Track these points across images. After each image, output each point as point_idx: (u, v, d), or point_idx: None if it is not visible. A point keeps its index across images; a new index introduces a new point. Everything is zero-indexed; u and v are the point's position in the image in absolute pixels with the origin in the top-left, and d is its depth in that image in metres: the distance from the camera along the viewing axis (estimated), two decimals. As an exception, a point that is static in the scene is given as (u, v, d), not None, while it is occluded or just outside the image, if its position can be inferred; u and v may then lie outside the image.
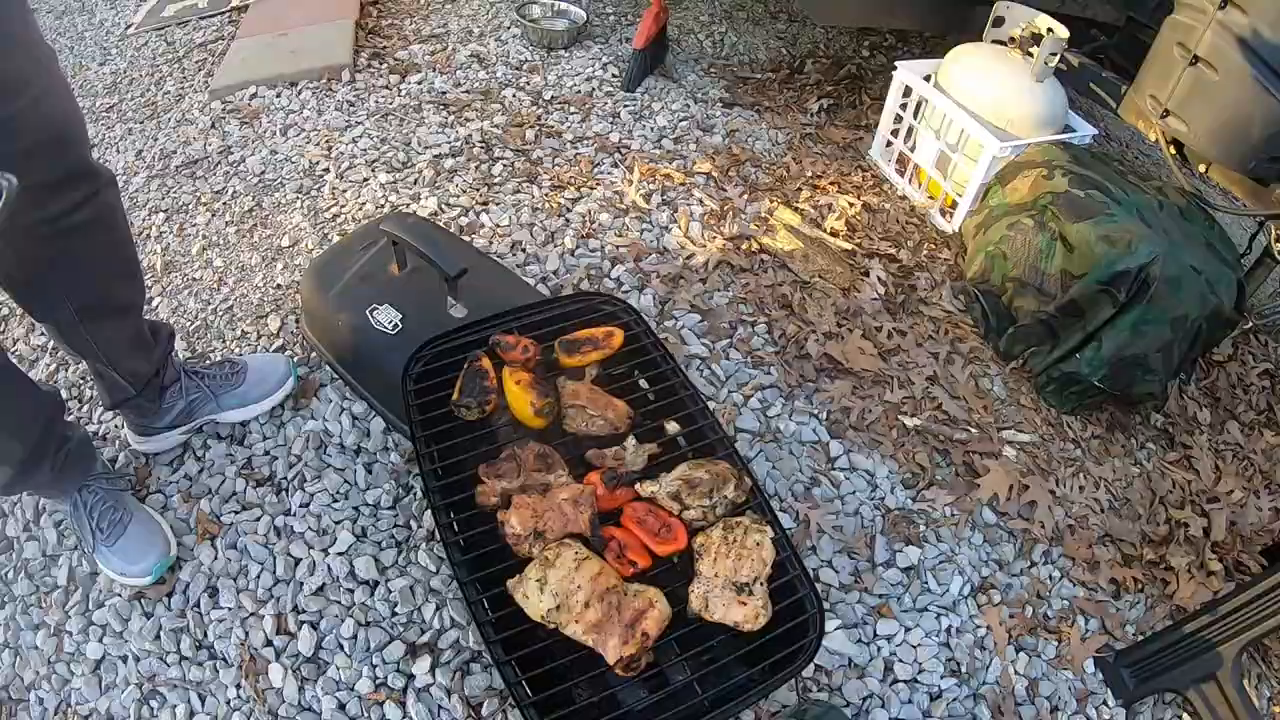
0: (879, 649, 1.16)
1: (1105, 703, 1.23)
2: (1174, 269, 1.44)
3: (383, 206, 1.66)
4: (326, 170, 1.78)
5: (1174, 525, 1.50)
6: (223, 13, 2.57)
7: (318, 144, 1.86)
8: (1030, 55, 1.81)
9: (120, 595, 1.14)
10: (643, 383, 1.11)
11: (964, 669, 1.18)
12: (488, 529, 0.87)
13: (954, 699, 1.15)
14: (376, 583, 1.13)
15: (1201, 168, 1.74)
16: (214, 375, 1.24)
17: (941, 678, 1.16)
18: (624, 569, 0.83)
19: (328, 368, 1.35)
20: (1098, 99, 1.95)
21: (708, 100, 2.15)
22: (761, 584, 0.83)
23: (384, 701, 1.03)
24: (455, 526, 0.88)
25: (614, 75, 2.14)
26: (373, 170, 1.75)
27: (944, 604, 1.23)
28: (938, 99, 1.83)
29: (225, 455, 1.26)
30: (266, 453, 1.26)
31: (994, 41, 1.95)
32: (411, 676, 1.06)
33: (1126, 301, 1.47)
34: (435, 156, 1.78)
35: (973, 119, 1.77)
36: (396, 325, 1.24)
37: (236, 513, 1.20)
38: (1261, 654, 1.32)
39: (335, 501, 1.21)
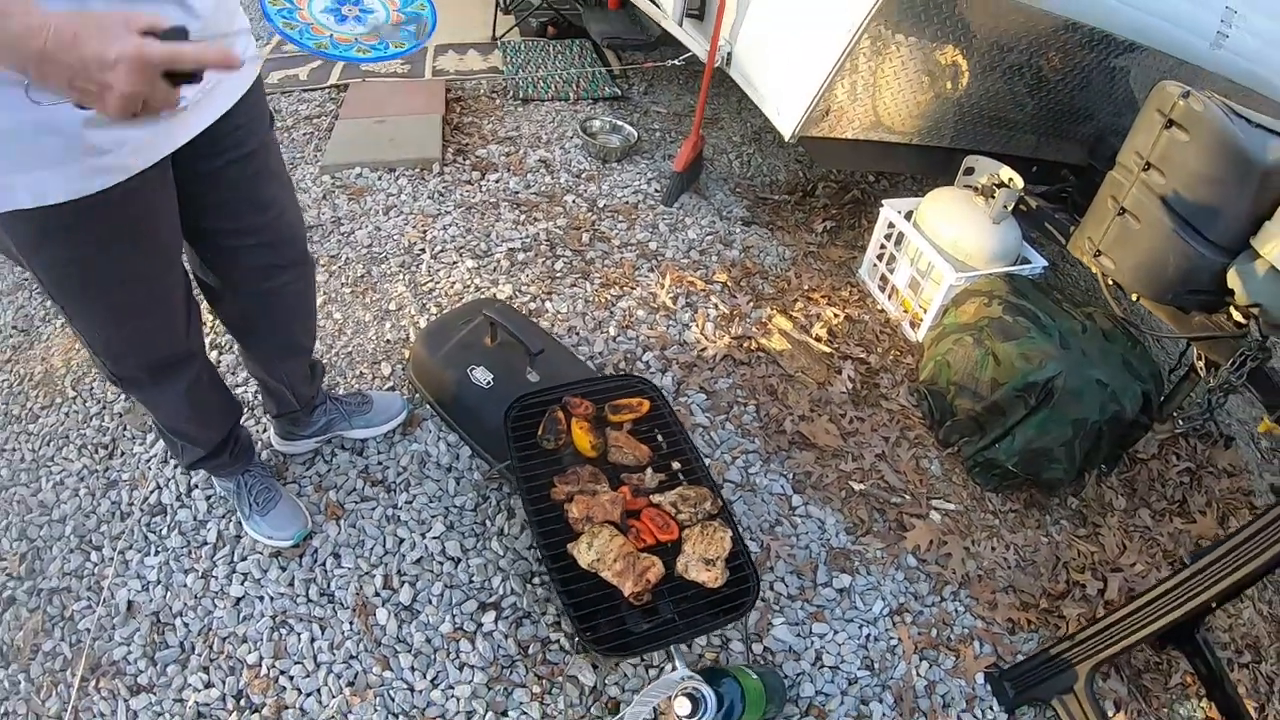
0: (812, 642, 1.71)
1: (990, 708, 1.77)
2: (1076, 382, 2.03)
3: (469, 286, 2.32)
4: (423, 250, 2.45)
5: (1072, 584, 2.04)
6: (323, 88, 3.29)
7: (415, 226, 2.54)
8: (990, 200, 2.47)
9: (261, 553, 1.72)
10: (659, 437, 1.72)
11: (876, 665, 1.73)
12: (556, 514, 1.48)
13: (866, 685, 1.69)
14: (459, 559, 1.72)
15: (1134, 296, 2.36)
16: (350, 402, 1.87)
17: (858, 669, 1.70)
18: (638, 544, 1.41)
19: (428, 407, 1.98)
20: (1051, 236, 2.60)
21: (731, 218, 2.82)
22: (721, 561, 1.41)
23: (459, 640, 1.61)
24: (538, 511, 1.49)
25: (656, 189, 2.81)
26: (460, 255, 2.43)
27: (866, 618, 1.79)
28: (912, 234, 2.48)
29: (349, 462, 1.88)
30: (380, 463, 1.88)
31: (965, 186, 2.62)
32: (480, 624, 1.63)
33: (1035, 406, 2.05)
34: (510, 249, 2.46)
35: (938, 252, 2.42)
36: (490, 383, 1.86)
37: (357, 503, 1.80)
38: (1120, 672, 1.85)
39: (431, 502, 1.81)
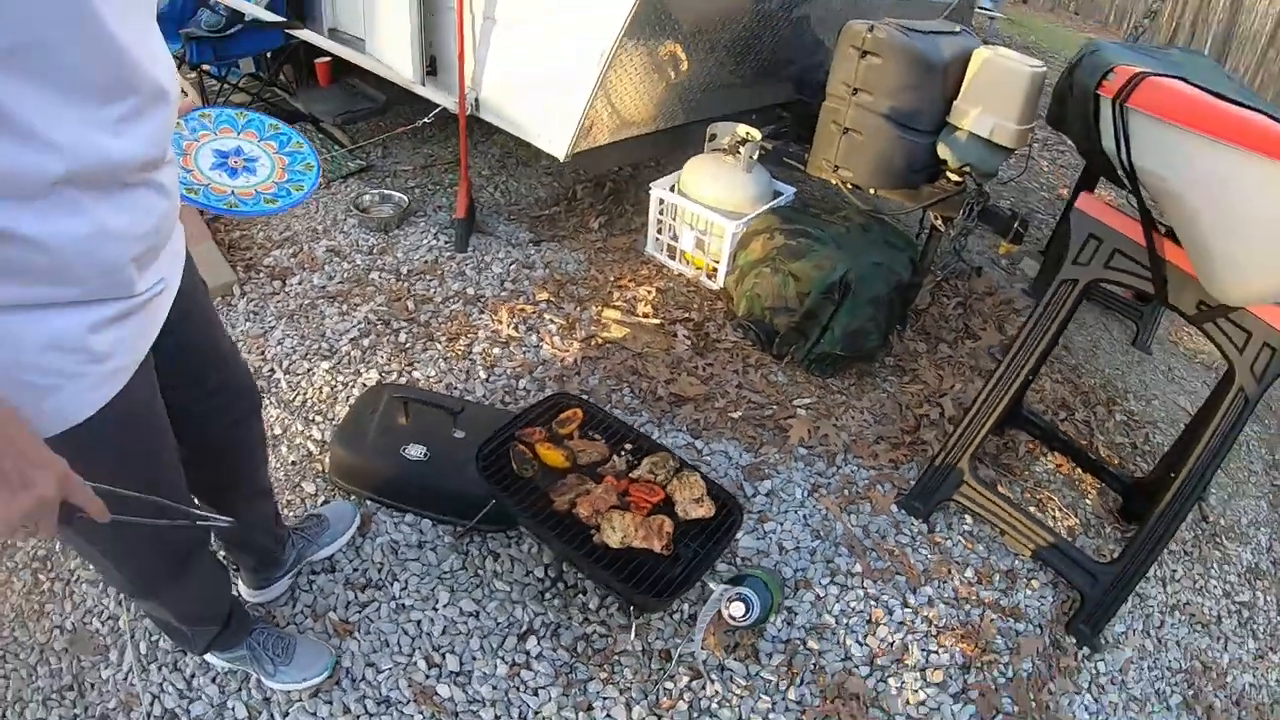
0: (770, 539, 2.16)
1: (912, 524, 2.35)
2: (861, 270, 2.64)
3: (337, 387, 2.45)
4: (272, 371, 2.49)
5: (919, 418, 2.70)
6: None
7: (251, 351, 2.54)
8: (738, 155, 3.06)
9: (301, 699, 1.81)
10: (600, 432, 2.07)
11: (821, 533, 2.23)
12: (566, 521, 1.76)
13: (822, 549, 2.19)
14: (477, 611, 1.93)
15: (873, 191, 3.08)
16: (308, 527, 1.97)
17: (811, 540, 2.20)
18: (642, 511, 1.78)
19: (370, 502, 2.13)
20: (792, 167, 3.28)
21: (520, 243, 3.16)
22: (705, 495, 1.82)
23: (519, 673, 1.85)
24: (551, 525, 1.77)
25: (445, 241, 3.06)
26: (310, 361, 2.51)
27: (795, 505, 2.26)
28: (684, 204, 3.01)
29: (329, 580, 1.97)
30: (357, 569, 1.99)
31: (714, 150, 3.17)
32: (528, 652, 1.86)
33: (840, 300, 2.66)
34: (351, 339, 2.60)
35: (712, 211, 2.98)
36: (425, 454, 2.06)
37: (359, 610, 1.93)
38: (982, 462, 2.54)
39: (425, 579, 1.98)
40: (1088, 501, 2.55)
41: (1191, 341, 3.76)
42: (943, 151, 2.67)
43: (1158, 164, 1.58)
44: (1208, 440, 1.84)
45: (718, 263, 2.99)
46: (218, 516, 1.22)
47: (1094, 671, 2.11)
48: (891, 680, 1.97)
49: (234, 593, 1.74)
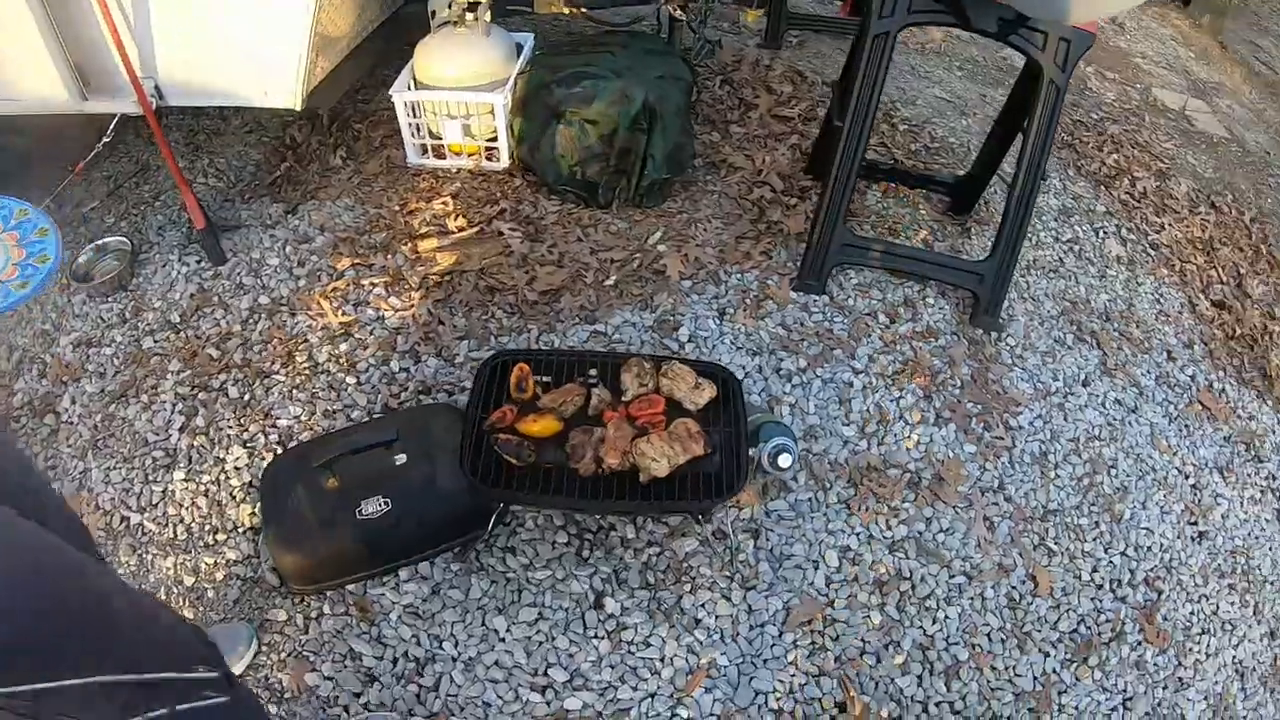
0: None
1: (814, 300, 2.49)
2: (652, 89, 2.55)
3: (209, 489, 2.01)
4: (125, 517, 2.00)
5: (756, 202, 2.78)
6: None
7: (84, 511, 2.00)
8: (470, 23, 2.69)
9: None
10: (548, 378, 1.93)
11: (754, 348, 2.27)
12: (601, 478, 1.71)
13: (766, 361, 2.25)
14: (539, 613, 1.82)
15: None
16: None
17: (752, 360, 2.24)
18: (659, 428, 1.74)
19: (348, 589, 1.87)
20: (518, 11, 2.99)
21: (276, 219, 2.67)
22: (696, 379, 1.82)
23: (618, 637, 1.81)
24: (585, 493, 1.70)
25: (198, 261, 2.51)
26: (156, 482, 2.05)
27: (717, 336, 2.29)
28: (433, 97, 2.65)
29: (381, 693, 1.77)
30: (399, 658, 1.79)
31: (441, 25, 2.73)
32: (612, 615, 1.80)
33: (649, 126, 2.57)
34: (180, 429, 2.13)
35: (468, 93, 2.67)
36: (385, 504, 1.80)
37: (434, 693, 1.75)
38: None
39: (467, 623, 1.84)
40: (922, 212, 2.83)
41: (916, 36, 4.11)
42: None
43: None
44: (1035, 131, 2.12)
45: (493, 142, 2.75)
46: None
47: (1009, 347, 2.47)
48: (888, 439, 2.19)
49: None
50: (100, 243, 2.56)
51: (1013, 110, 2.41)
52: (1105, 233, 3.04)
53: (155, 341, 2.34)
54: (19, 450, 1.20)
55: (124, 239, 2.56)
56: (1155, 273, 2.95)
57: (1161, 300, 2.86)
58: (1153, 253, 3.04)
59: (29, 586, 0.98)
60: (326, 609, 1.84)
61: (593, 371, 1.89)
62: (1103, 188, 3.29)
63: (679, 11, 2.86)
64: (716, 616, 1.84)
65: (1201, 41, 5.21)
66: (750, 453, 1.83)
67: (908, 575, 1.96)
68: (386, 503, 1.81)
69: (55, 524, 1.19)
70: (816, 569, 1.93)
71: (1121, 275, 2.89)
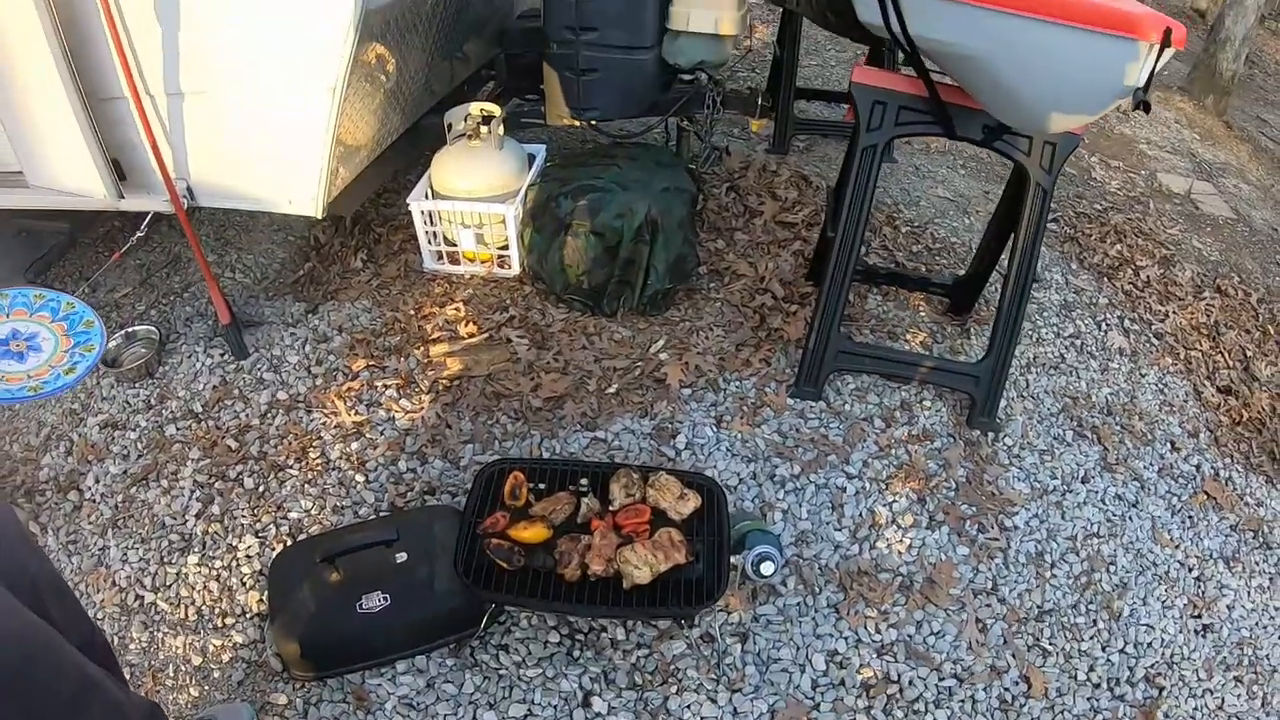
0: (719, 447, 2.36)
1: (810, 406, 2.59)
2: (657, 201, 2.73)
3: (220, 575, 2.12)
4: (139, 595, 2.09)
5: (758, 309, 2.92)
6: None
7: (101, 589, 2.13)
8: (484, 136, 2.90)
9: None
10: (542, 485, 2.04)
11: (749, 455, 2.36)
12: (585, 583, 1.78)
13: (761, 468, 2.35)
14: (529, 710, 1.89)
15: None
16: None
17: (746, 468, 2.33)
18: (644, 535, 1.83)
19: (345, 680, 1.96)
20: (530, 124, 3.21)
21: (297, 318, 2.85)
22: (684, 489, 1.91)
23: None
24: (571, 598, 1.77)
25: (222, 354, 2.69)
26: (171, 564, 2.16)
27: (713, 444, 2.38)
28: (448, 206, 2.85)
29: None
30: None
31: (456, 139, 2.96)
32: (599, 713, 1.86)
33: (651, 238, 2.75)
34: (196, 515, 2.25)
35: (481, 202, 2.87)
36: (385, 599, 1.92)
37: None
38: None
39: (458, 715, 1.91)
40: (922, 314, 2.94)
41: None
42: (673, 57, 2.77)
43: (944, 34, 1.79)
44: (1024, 233, 2.21)
45: (504, 250, 2.93)
46: None
47: (1006, 446, 2.53)
48: (880, 544, 2.24)
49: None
50: (130, 330, 2.75)
51: (1007, 209, 2.52)
52: (1108, 325, 3.11)
53: (178, 429, 2.49)
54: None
55: (153, 328, 2.74)
56: (1159, 362, 3.00)
57: (1165, 390, 2.90)
58: (1156, 342, 3.10)
59: None
60: (325, 696, 1.91)
61: (584, 481, 2.00)
62: (1105, 279, 3.37)
63: (686, 122, 3.05)
64: (701, 718, 1.88)
65: (1206, 123, 5.34)
66: (733, 560, 1.91)
67: (895, 679, 1.98)
68: (386, 598, 1.90)
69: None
70: (803, 672, 1.97)
71: (1124, 367, 2.94)
